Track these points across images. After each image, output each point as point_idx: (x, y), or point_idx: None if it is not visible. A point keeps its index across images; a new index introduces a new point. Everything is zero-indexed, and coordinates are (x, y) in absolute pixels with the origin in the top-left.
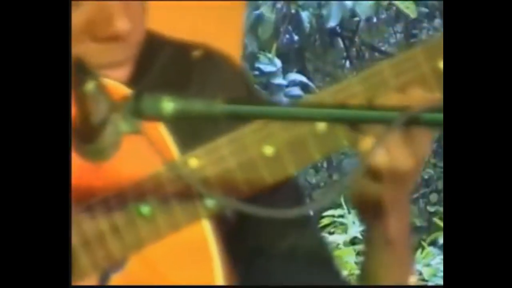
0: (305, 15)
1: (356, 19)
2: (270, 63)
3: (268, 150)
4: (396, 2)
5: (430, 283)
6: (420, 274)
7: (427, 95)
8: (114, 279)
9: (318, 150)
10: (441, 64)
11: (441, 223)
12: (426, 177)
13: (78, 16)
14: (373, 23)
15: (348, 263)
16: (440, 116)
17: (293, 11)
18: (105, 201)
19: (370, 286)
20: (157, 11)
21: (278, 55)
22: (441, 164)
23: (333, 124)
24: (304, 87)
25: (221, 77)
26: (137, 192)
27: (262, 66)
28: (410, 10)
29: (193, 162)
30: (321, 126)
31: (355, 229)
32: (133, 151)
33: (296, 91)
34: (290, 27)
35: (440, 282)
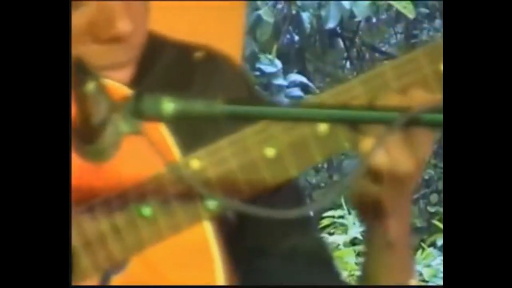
0: (305, 16)
1: (357, 19)
2: (270, 64)
3: (270, 152)
4: (394, 3)
5: (430, 284)
6: (421, 274)
7: (428, 97)
8: (115, 280)
9: (319, 152)
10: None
11: (441, 225)
12: (426, 177)
13: (80, 17)
14: (373, 23)
15: (349, 263)
16: (440, 116)
17: (293, 12)
18: (106, 202)
19: (370, 287)
20: (157, 11)
21: (279, 56)
22: (441, 164)
23: (335, 126)
24: (304, 87)
25: (223, 78)
26: (138, 193)
27: (263, 67)
28: (408, 10)
29: (195, 163)
30: (323, 128)
31: (355, 229)
32: (134, 151)
33: (297, 91)
34: (290, 28)
35: (441, 282)
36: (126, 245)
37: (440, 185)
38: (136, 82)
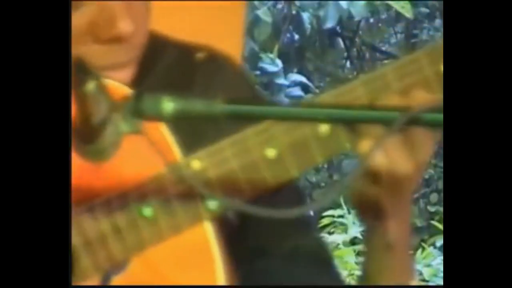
0: (305, 16)
1: (357, 19)
2: (272, 63)
3: (271, 152)
4: (392, 2)
5: (430, 283)
6: (421, 274)
7: (430, 98)
8: (116, 281)
9: (320, 153)
10: None
11: (440, 226)
12: (426, 177)
13: (81, 17)
14: (373, 23)
15: (348, 263)
16: (440, 116)
17: (293, 12)
18: (107, 202)
19: (370, 287)
20: (156, 11)
21: (279, 56)
22: (441, 164)
23: (336, 127)
24: (305, 87)
25: (225, 79)
26: (139, 193)
27: (265, 66)
28: (406, 10)
29: (196, 164)
30: (324, 129)
31: (355, 229)
32: (134, 151)
33: (297, 91)
34: (290, 27)
35: (441, 282)
36: (126, 245)
37: (440, 185)
38: (137, 82)
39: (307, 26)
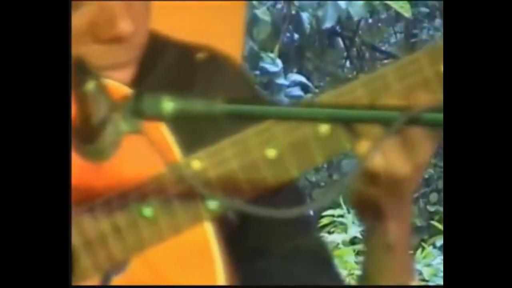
0: (305, 16)
1: (355, 19)
2: (273, 63)
3: (271, 152)
4: (391, 2)
5: (430, 283)
6: (421, 274)
7: (430, 99)
8: (116, 281)
9: (320, 153)
10: None
11: (440, 226)
12: (426, 176)
13: (81, 17)
14: (373, 23)
15: (348, 262)
16: (440, 116)
17: (293, 12)
18: (107, 202)
19: (370, 287)
20: (156, 11)
21: (279, 55)
22: (441, 163)
23: (336, 127)
24: (304, 87)
25: (225, 79)
26: (139, 193)
27: (266, 66)
28: (405, 10)
29: (196, 164)
30: (324, 129)
31: (355, 228)
32: (134, 151)
33: (297, 91)
34: (290, 27)
35: (441, 282)
36: (126, 246)
37: (440, 184)
38: (137, 82)
39: (307, 26)
